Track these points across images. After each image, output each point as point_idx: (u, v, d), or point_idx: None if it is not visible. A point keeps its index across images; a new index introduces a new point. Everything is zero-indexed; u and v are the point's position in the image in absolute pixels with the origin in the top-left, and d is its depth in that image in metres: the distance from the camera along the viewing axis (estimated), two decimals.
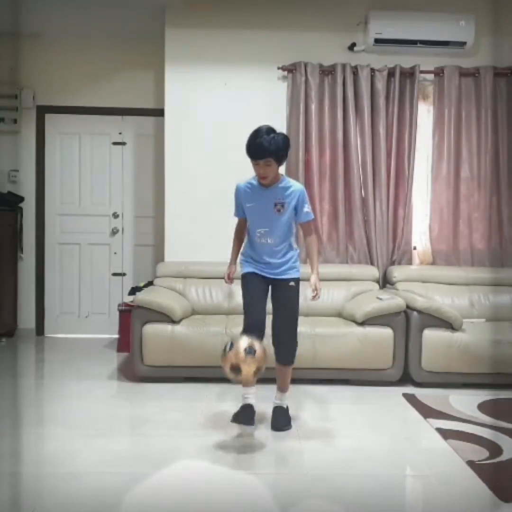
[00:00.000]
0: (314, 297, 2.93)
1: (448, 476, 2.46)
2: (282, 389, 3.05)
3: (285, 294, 2.96)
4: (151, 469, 2.46)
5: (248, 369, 2.58)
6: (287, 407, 3.05)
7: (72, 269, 5.44)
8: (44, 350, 4.89)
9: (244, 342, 2.60)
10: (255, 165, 2.79)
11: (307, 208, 2.91)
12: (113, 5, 4.58)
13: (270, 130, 2.76)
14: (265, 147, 2.70)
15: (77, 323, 5.44)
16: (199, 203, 4.68)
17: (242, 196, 2.96)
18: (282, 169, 4.50)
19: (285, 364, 2.98)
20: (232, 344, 2.61)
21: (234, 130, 4.67)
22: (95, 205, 5.44)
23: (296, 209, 2.90)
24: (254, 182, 2.91)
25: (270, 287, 2.99)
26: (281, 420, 2.98)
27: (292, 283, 2.94)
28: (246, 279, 2.98)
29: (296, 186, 2.93)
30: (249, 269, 2.98)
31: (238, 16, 4.63)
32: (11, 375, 4.03)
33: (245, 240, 3.06)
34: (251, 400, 2.94)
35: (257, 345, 2.61)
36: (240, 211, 3.02)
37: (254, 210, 2.91)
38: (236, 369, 2.59)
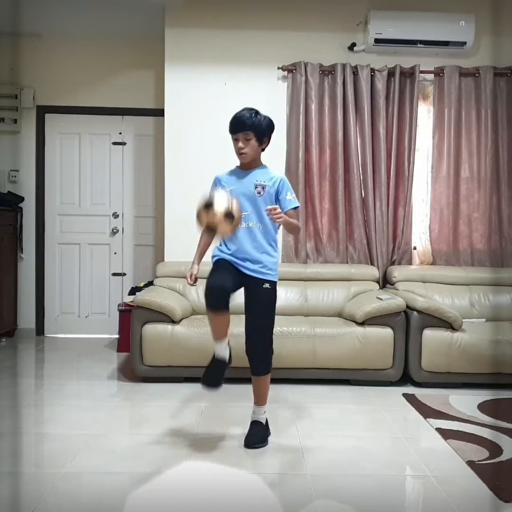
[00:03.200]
0: (271, 211, 2.57)
1: (448, 476, 2.46)
2: (257, 402, 2.84)
3: (259, 297, 2.75)
4: (151, 469, 2.46)
5: (225, 228, 2.50)
6: (265, 422, 2.85)
7: (72, 269, 5.44)
8: (44, 350, 4.89)
9: (222, 205, 2.47)
10: (235, 141, 2.76)
11: (290, 196, 2.77)
12: (113, 5, 4.58)
13: (253, 109, 2.78)
14: (245, 119, 2.71)
15: (77, 323, 5.44)
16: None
17: (221, 183, 2.83)
18: (281, 168, 4.55)
19: (257, 375, 2.80)
20: (210, 204, 2.48)
21: None
22: (95, 205, 5.44)
23: (278, 197, 2.76)
24: (235, 168, 2.87)
25: (243, 288, 2.78)
26: (254, 436, 2.78)
27: (267, 285, 2.74)
28: (217, 262, 2.78)
29: (278, 175, 2.83)
30: (222, 257, 2.77)
31: (238, 16, 4.63)
32: (11, 375, 4.03)
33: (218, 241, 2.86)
34: (224, 352, 2.72)
35: (235, 207, 2.49)
36: None
37: (235, 193, 2.73)
38: (211, 228, 2.53)
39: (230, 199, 2.51)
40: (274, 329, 2.81)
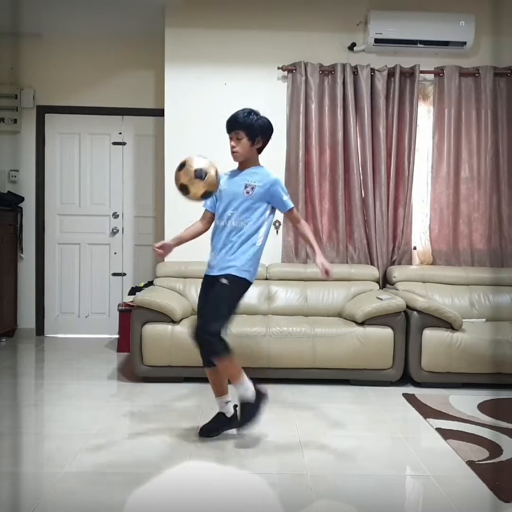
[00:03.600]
0: (326, 277, 2.81)
1: (448, 476, 2.46)
2: (215, 394, 2.88)
3: (214, 289, 2.75)
4: (151, 469, 2.46)
5: (195, 190, 2.58)
6: (230, 415, 2.86)
7: (72, 269, 5.44)
8: (44, 350, 4.89)
9: (197, 163, 2.58)
10: (230, 140, 2.82)
11: (285, 197, 2.80)
12: (113, 5, 4.59)
13: (250, 110, 2.81)
14: (237, 118, 2.77)
15: (77, 323, 5.44)
16: (199, 203, 4.67)
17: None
18: (281, 168, 4.54)
19: (207, 367, 2.82)
20: (184, 164, 2.60)
21: None
22: (95, 205, 5.44)
23: (274, 200, 2.79)
24: (234, 169, 2.91)
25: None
26: (209, 425, 2.87)
27: (224, 281, 2.72)
28: (202, 282, 2.91)
29: (271, 176, 2.83)
30: (205, 277, 2.88)
31: (238, 16, 4.63)
32: (11, 375, 4.03)
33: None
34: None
35: (211, 169, 2.57)
36: (211, 201, 2.92)
37: (226, 192, 2.82)
38: (184, 188, 2.59)
39: (208, 162, 2.60)
40: (226, 325, 2.75)
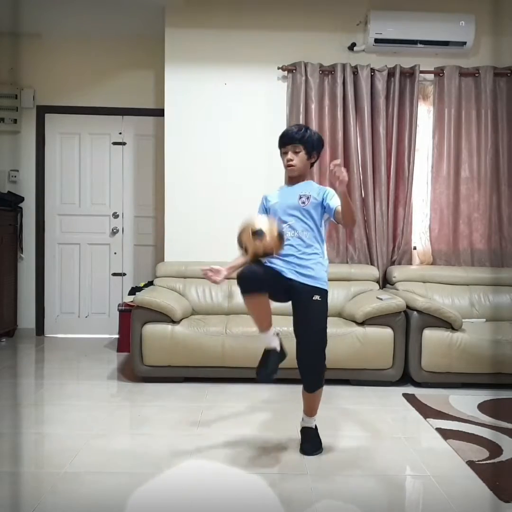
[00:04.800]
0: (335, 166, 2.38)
1: (448, 476, 2.46)
2: (308, 413, 2.79)
3: (307, 306, 2.64)
4: (151, 469, 2.47)
5: (254, 249, 2.46)
6: (316, 427, 2.82)
7: (72, 269, 5.44)
8: (44, 350, 4.89)
9: (258, 224, 2.47)
10: (284, 155, 2.73)
11: (337, 198, 2.59)
12: (113, 5, 4.58)
13: (304, 125, 2.81)
14: (293, 132, 2.70)
15: (77, 323, 5.44)
16: (199, 203, 4.69)
17: (267, 200, 2.83)
18: (281, 168, 4.53)
19: (306, 391, 2.74)
20: (260, 231, 2.47)
21: (234, 130, 4.69)
22: (95, 205, 5.44)
23: (323, 204, 2.64)
24: (283, 186, 2.88)
25: (291, 302, 2.71)
26: (311, 443, 2.75)
27: (317, 297, 2.62)
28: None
29: (324, 187, 2.76)
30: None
31: (238, 16, 4.63)
32: (11, 375, 4.03)
33: None
34: (270, 343, 2.66)
35: (272, 229, 2.45)
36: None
37: (278, 206, 2.75)
38: (244, 248, 2.49)
39: (270, 220, 2.53)
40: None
